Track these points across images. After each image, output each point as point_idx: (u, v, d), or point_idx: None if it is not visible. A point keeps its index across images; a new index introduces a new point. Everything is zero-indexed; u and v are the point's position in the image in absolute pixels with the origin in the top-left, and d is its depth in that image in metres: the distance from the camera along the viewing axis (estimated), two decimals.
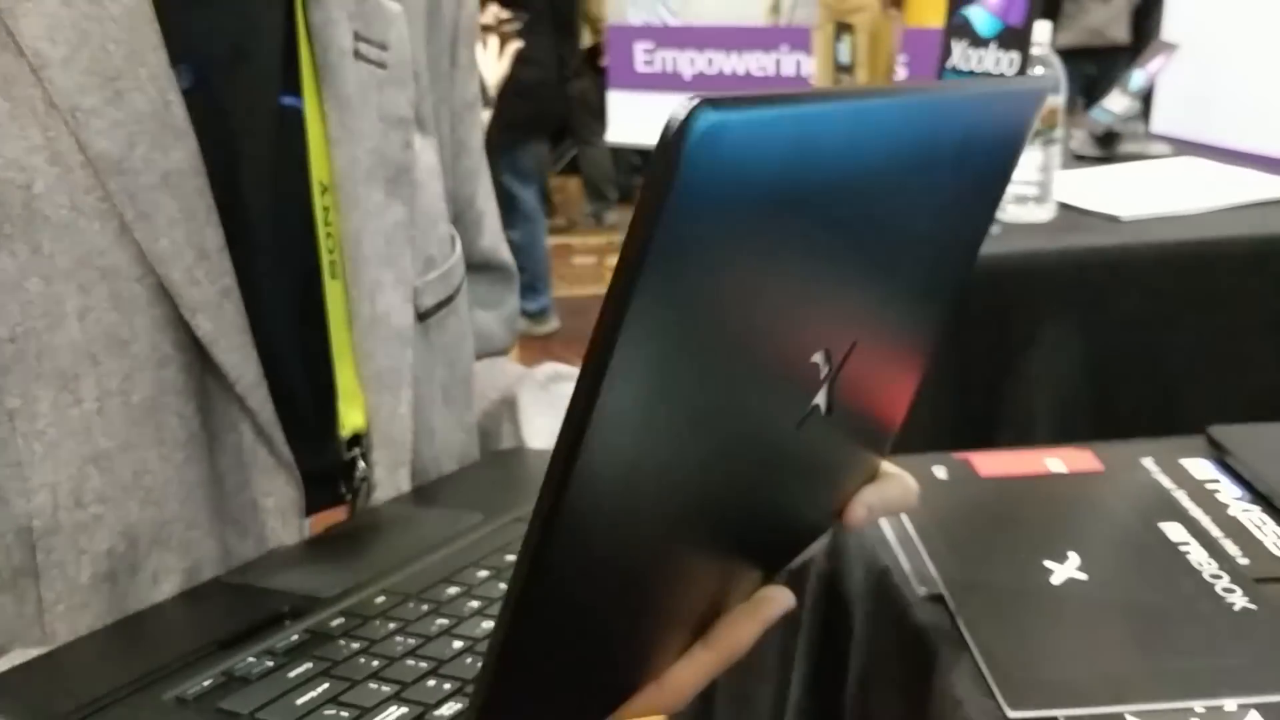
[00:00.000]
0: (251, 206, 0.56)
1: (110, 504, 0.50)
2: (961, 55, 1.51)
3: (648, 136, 2.83)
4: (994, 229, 1.62)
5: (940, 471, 0.92)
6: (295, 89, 0.59)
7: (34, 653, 0.49)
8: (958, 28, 1.51)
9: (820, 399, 0.46)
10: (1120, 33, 4.42)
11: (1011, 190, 1.66)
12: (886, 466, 0.62)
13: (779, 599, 0.52)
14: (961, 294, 0.59)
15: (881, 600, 0.80)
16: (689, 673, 0.48)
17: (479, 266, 0.79)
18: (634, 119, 2.89)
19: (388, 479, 0.63)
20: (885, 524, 0.85)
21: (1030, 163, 1.55)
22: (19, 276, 0.47)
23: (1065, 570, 0.76)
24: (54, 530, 0.48)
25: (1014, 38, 1.43)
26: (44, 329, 0.47)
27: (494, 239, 0.81)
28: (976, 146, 0.51)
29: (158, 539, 0.51)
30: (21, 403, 0.47)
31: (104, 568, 0.50)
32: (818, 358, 0.44)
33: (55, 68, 0.47)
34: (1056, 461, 0.93)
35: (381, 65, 0.62)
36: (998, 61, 1.46)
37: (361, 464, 0.62)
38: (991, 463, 0.93)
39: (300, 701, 0.45)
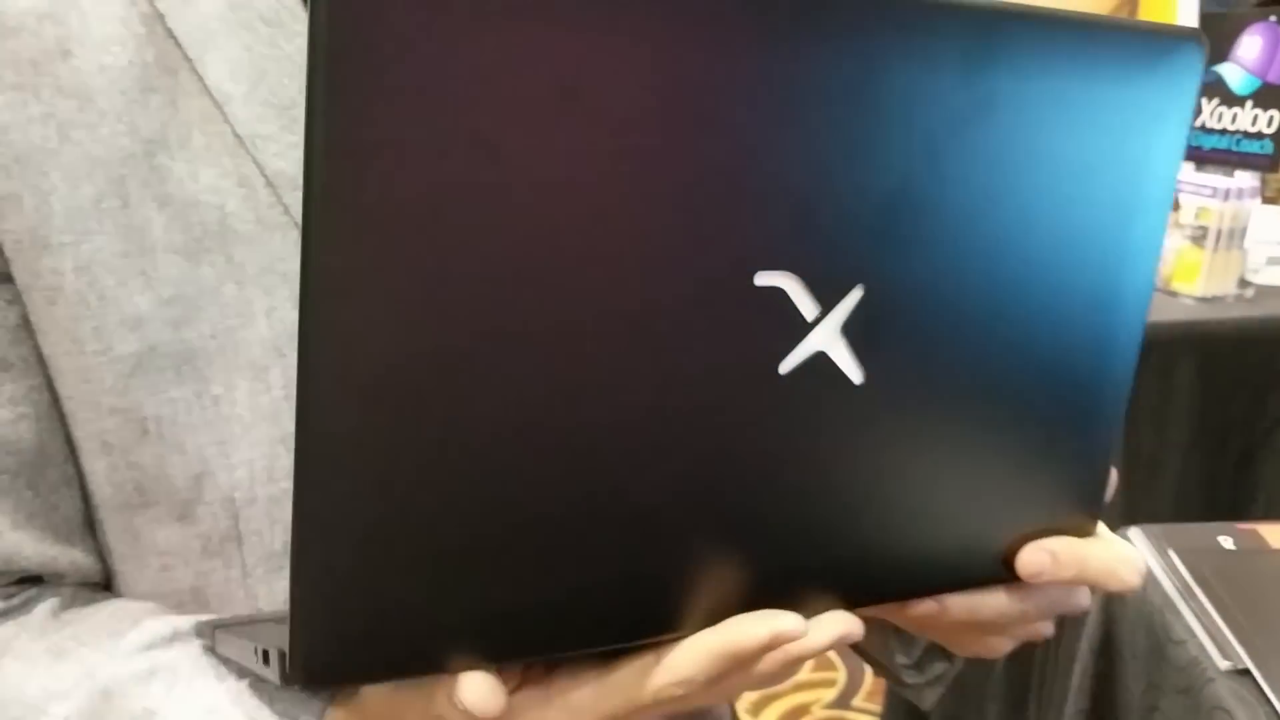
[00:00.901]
0: None
1: None
2: (1212, 114, 1.47)
3: None
4: (1247, 292, 1.55)
5: (1227, 542, 0.89)
6: None
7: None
8: (1208, 85, 1.46)
9: (836, 354, 0.39)
10: None
11: (1263, 252, 1.59)
12: (1104, 531, 0.51)
13: (754, 634, 0.38)
14: (1141, 319, 0.46)
15: (1172, 670, 0.77)
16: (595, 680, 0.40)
17: None
18: None
19: None
20: (1175, 592, 0.82)
21: None
22: (216, 283, 0.53)
23: None
24: (252, 501, 0.54)
25: (1274, 96, 1.38)
26: (238, 327, 0.53)
27: None
28: (1082, 97, 0.41)
29: None
30: (223, 390, 0.53)
31: None
32: (774, 280, 0.37)
33: (237, 103, 0.53)
34: None
35: None
36: (1254, 120, 1.41)
37: None
38: None
39: None
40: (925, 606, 0.45)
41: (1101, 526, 0.48)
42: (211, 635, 0.48)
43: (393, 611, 0.35)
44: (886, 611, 0.47)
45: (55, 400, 0.54)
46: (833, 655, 2.40)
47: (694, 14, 0.33)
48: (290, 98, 0.54)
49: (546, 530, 0.36)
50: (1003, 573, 0.45)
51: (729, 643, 0.39)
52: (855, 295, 0.38)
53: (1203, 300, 1.52)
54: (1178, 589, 0.82)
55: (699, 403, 0.37)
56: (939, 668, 0.61)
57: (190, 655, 0.50)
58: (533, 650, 0.38)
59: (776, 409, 0.38)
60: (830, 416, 0.40)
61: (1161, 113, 0.43)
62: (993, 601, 0.46)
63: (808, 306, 0.38)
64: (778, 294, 0.37)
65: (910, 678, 0.61)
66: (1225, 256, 1.52)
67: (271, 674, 0.38)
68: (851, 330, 0.39)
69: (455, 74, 0.31)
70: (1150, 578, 0.85)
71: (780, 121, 0.35)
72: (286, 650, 0.35)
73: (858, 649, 0.64)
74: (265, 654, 0.39)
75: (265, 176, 0.54)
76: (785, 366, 0.38)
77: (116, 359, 0.52)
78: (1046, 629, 0.49)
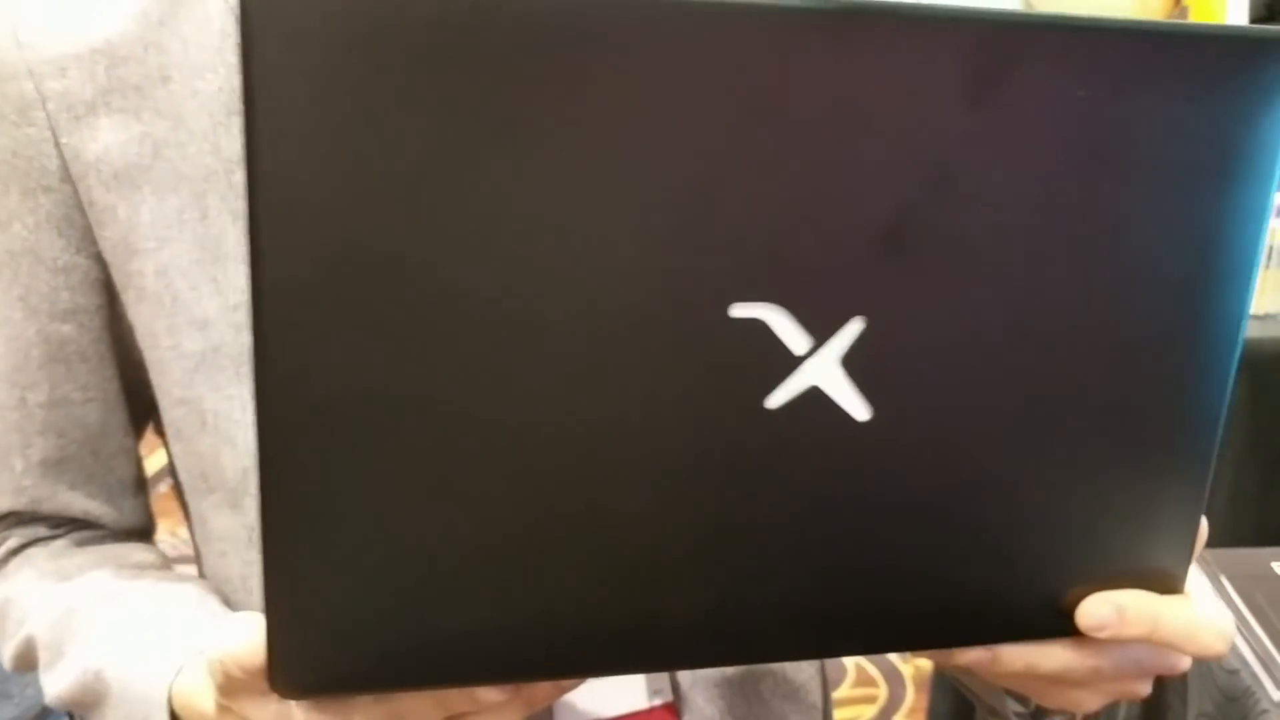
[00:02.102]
0: None
1: None
2: None
3: None
4: None
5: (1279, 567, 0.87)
6: None
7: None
8: None
9: (833, 389, 0.37)
10: None
11: None
12: (1196, 588, 0.45)
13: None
14: (1232, 349, 0.42)
15: (1224, 699, 0.76)
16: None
17: None
18: None
19: None
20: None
21: None
22: None
23: None
24: None
25: None
26: None
27: None
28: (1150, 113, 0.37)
29: None
30: None
31: None
32: (752, 312, 0.35)
33: None
34: None
35: None
36: None
37: None
38: None
39: None
40: (975, 655, 0.42)
41: (1195, 582, 0.43)
42: None
43: (367, 629, 0.35)
44: (936, 657, 0.45)
45: (124, 389, 0.61)
46: (874, 671, 2.38)
47: (666, 35, 0.32)
48: None
49: (518, 555, 0.36)
50: (1066, 626, 0.41)
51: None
52: (854, 327, 0.36)
53: (1254, 318, 1.49)
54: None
55: (679, 434, 0.36)
56: (1058, 718, 0.56)
57: (139, 588, 0.56)
58: (488, 674, 0.38)
59: (767, 443, 0.37)
60: (835, 452, 0.38)
61: (1254, 120, 0.38)
62: (1055, 655, 0.43)
63: (796, 339, 0.36)
64: (758, 326, 0.35)
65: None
66: (1277, 274, 1.50)
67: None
68: (852, 364, 0.36)
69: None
70: None
71: (749, 149, 0.34)
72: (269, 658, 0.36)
73: (967, 687, 0.60)
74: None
75: None
76: (774, 401, 0.36)
77: (184, 355, 0.56)
78: (1141, 689, 0.45)
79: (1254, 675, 0.74)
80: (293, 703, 0.38)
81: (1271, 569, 0.86)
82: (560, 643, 0.38)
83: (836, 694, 2.31)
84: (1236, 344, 0.42)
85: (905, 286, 0.36)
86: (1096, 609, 0.41)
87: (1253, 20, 2.31)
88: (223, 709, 0.43)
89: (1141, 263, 0.39)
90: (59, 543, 0.61)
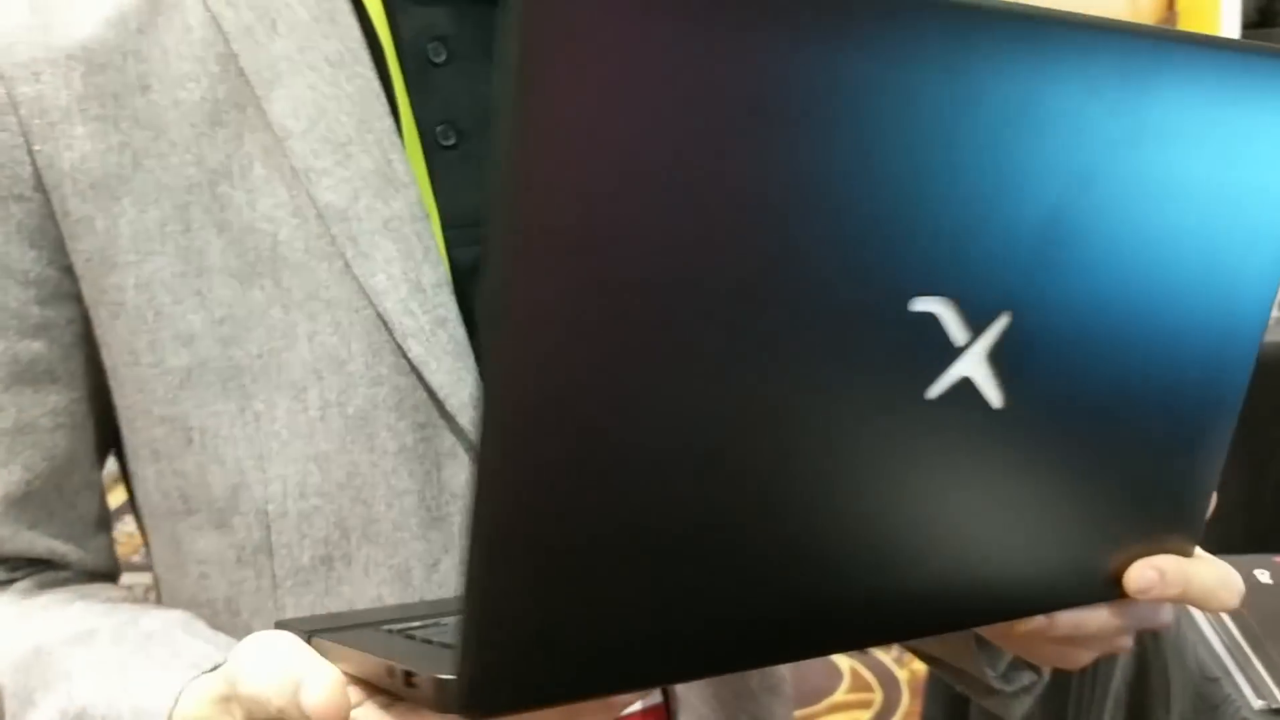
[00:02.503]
0: None
1: (326, 498, 0.57)
2: None
3: None
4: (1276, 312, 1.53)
5: (1264, 575, 0.88)
6: None
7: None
8: None
9: (980, 379, 0.39)
10: None
11: None
12: (1202, 553, 0.53)
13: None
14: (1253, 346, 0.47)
15: (1205, 707, 0.77)
16: None
17: None
18: None
19: None
20: (1208, 627, 0.81)
21: None
22: (265, 306, 0.56)
23: None
24: (284, 515, 0.57)
25: None
26: (282, 348, 0.56)
27: None
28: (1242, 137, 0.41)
29: (366, 534, 0.58)
30: (264, 407, 0.56)
31: (321, 553, 0.57)
32: (930, 306, 0.37)
33: (296, 138, 0.56)
34: None
35: None
36: None
37: None
38: None
39: None
40: (1036, 622, 0.46)
41: (1198, 549, 0.50)
42: (307, 639, 0.47)
43: (563, 640, 0.35)
44: (991, 630, 0.50)
45: (91, 412, 0.58)
46: (870, 676, 2.39)
47: (853, 42, 0.34)
48: (347, 134, 0.57)
49: (701, 554, 0.37)
50: (1109, 590, 0.46)
51: None
52: (1003, 321, 0.39)
53: None
54: (1212, 624, 0.81)
55: (851, 427, 0.37)
56: (1026, 678, 0.63)
57: (113, 624, 0.54)
58: (689, 673, 0.41)
59: (922, 434, 0.39)
60: (968, 441, 0.40)
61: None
62: (1096, 617, 0.47)
63: (958, 332, 0.38)
64: (930, 320, 0.37)
65: (999, 685, 0.62)
66: None
67: (416, 694, 0.38)
68: (996, 355, 0.39)
69: (638, 85, 0.31)
70: (1185, 612, 0.84)
71: (940, 147, 0.36)
72: (443, 676, 0.36)
73: (935, 661, 0.67)
74: (408, 675, 0.39)
75: (317, 208, 0.56)
76: (933, 391, 0.38)
77: (168, 371, 0.55)
78: (1126, 642, 0.51)
79: (1234, 684, 0.75)
80: None
81: (1255, 577, 0.87)
82: (740, 635, 0.39)
83: (833, 699, 2.32)
84: (1256, 343, 0.47)
85: (1045, 281, 0.39)
86: (1144, 573, 0.46)
87: (1244, 26, 2.34)
88: None
89: (1203, 260, 0.43)
90: (20, 584, 0.59)
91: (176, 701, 0.47)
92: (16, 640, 0.55)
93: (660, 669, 0.38)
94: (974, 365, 0.39)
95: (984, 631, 0.54)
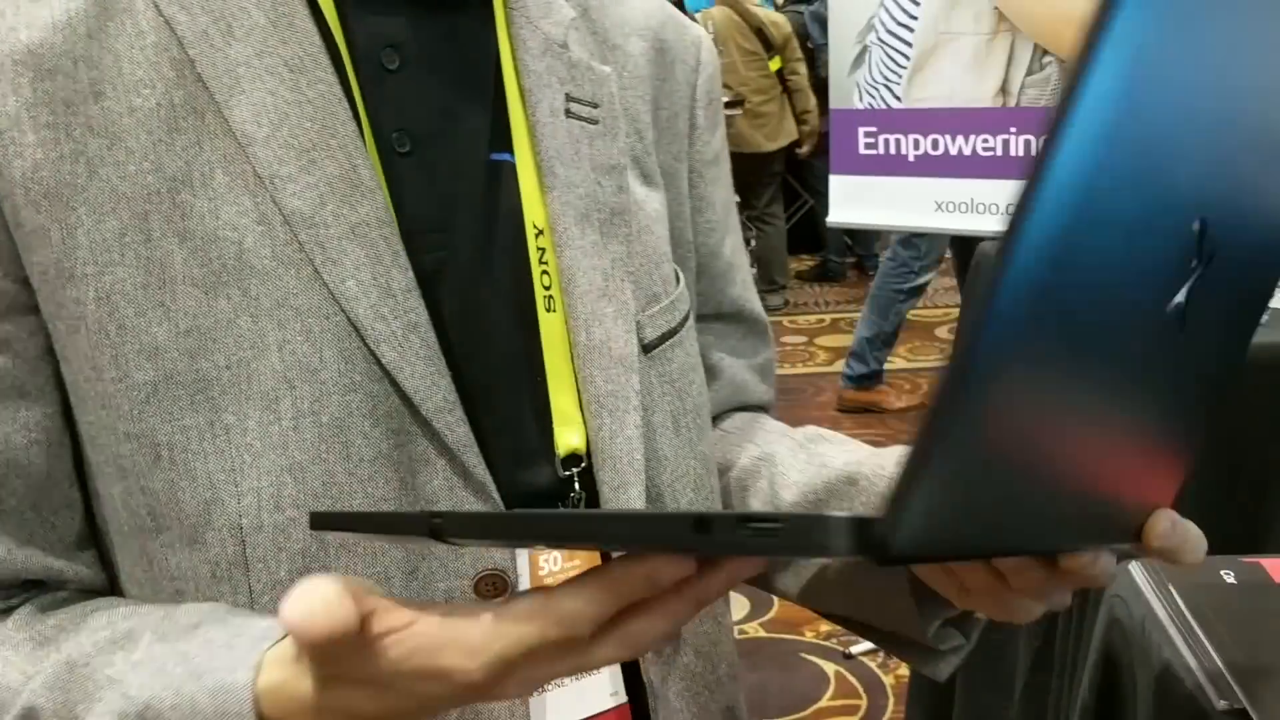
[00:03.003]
0: (462, 249, 0.61)
1: (303, 509, 0.56)
2: None
3: (868, 217, 2.82)
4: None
5: (1229, 575, 0.88)
6: (506, 146, 0.65)
7: None
8: None
9: (1181, 298, 0.43)
10: None
11: None
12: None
13: (632, 571, 0.42)
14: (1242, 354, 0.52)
15: (1169, 703, 0.77)
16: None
17: (730, 316, 0.80)
18: (855, 201, 2.89)
19: (614, 498, 0.65)
20: (1170, 624, 0.81)
21: None
22: (232, 316, 0.55)
23: None
24: (259, 529, 0.55)
25: None
26: (252, 358, 0.55)
27: (744, 289, 0.83)
28: None
29: (344, 544, 0.57)
30: (235, 419, 0.54)
31: (299, 565, 0.56)
32: (1199, 226, 0.41)
33: (258, 144, 0.56)
34: None
35: (593, 121, 0.68)
36: None
37: (577, 485, 0.65)
38: None
39: None
40: (1085, 559, 0.48)
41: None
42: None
43: (968, 511, 0.39)
44: (947, 585, 0.55)
45: (66, 427, 0.57)
46: (855, 682, 2.39)
47: None
48: (310, 140, 0.57)
49: (1064, 470, 0.41)
50: (1127, 535, 0.49)
51: (606, 578, 0.42)
52: (1216, 260, 0.43)
53: None
54: (1177, 625, 0.81)
55: (1138, 343, 0.42)
56: (955, 639, 0.66)
57: (149, 623, 0.53)
58: (1032, 550, 0.47)
59: (1161, 337, 0.43)
60: (1164, 346, 0.44)
61: None
62: (1109, 561, 0.49)
63: (1193, 259, 0.42)
64: (1192, 237, 0.41)
65: (933, 644, 0.65)
66: None
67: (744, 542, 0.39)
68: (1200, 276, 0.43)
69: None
70: (1150, 612, 0.84)
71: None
72: (865, 516, 0.37)
73: (868, 629, 0.69)
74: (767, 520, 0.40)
75: (283, 215, 0.56)
76: (1170, 305, 0.42)
77: (133, 386, 0.54)
78: (1066, 599, 0.53)
79: (1198, 684, 0.76)
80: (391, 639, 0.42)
81: (1220, 577, 0.88)
82: (1063, 523, 0.44)
83: (819, 704, 2.32)
84: (1266, 303, 0.52)
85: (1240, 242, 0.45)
86: (1163, 522, 0.49)
87: None
88: (328, 681, 0.43)
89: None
90: (22, 610, 0.56)
91: (258, 671, 0.47)
92: (42, 661, 0.53)
93: (1014, 546, 0.44)
94: (1190, 285, 0.42)
95: (939, 587, 0.57)
